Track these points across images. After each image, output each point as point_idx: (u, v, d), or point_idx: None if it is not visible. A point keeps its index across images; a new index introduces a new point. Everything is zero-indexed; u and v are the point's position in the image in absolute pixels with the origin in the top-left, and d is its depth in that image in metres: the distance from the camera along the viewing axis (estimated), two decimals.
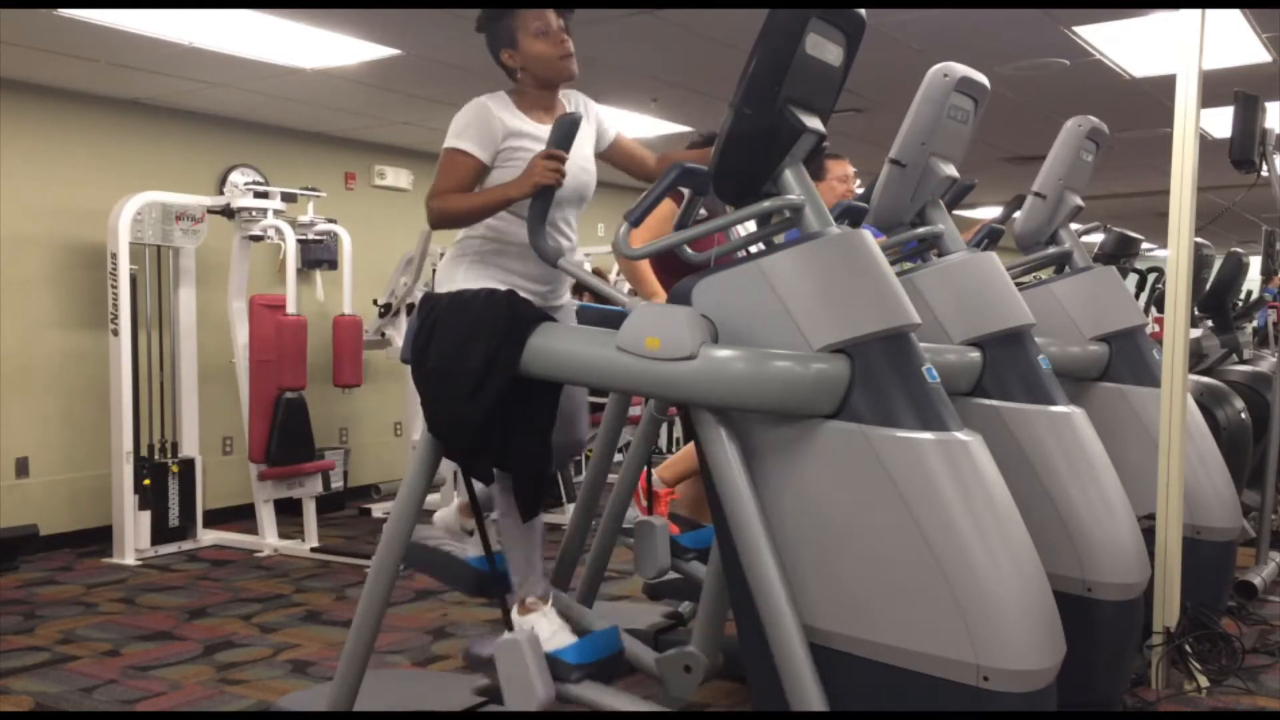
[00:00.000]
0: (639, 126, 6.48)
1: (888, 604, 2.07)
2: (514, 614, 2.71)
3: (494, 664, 2.52)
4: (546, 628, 2.64)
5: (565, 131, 2.43)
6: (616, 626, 2.80)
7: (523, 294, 2.59)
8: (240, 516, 6.02)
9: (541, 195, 2.43)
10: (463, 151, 2.57)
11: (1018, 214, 3.82)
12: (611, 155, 2.91)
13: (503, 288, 2.57)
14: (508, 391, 2.41)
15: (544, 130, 2.57)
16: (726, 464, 2.20)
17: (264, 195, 5.66)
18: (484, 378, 2.41)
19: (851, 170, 4.24)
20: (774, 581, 2.13)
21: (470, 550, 2.92)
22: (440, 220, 2.57)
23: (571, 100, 2.80)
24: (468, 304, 2.52)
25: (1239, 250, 6.19)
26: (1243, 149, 4.05)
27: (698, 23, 4.53)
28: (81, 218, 5.67)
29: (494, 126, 2.60)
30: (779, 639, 2.13)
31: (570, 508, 3.17)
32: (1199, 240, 5.24)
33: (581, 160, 2.71)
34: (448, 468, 5.40)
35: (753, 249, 2.52)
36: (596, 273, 5.66)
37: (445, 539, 3.04)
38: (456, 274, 2.66)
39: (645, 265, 3.71)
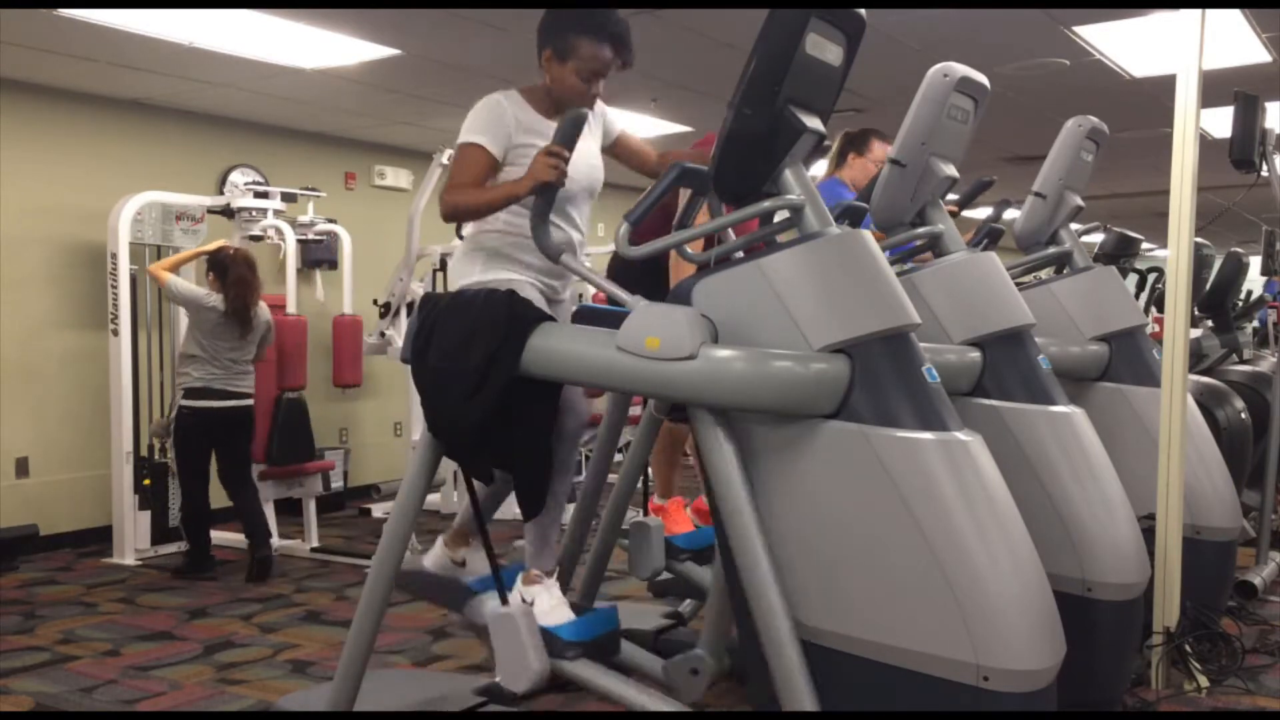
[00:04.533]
0: (639, 126, 6.48)
1: (887, 604, 2.07)
2: (519, 584, 2.71)
3: (488, 632, 2.54)
4: (546, 601, 2.64)
5: (569, 129, 2.43)
6: (615, 606, 2.80)
7: (535, 287, 2.70)
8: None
9: (544, 192, 2.43)
10: (476, 145, 2.61)
11: (1012, 212, 3.82)
12: (616, 151, 2.97)
13: (520, 277, 2.67)
14: (508, 391, 2.41)
15: (553, 128, 2.58)
16: (724, 464, 2.21)
17: (264, 195, 5.67)
18: (484, 378, 2.41)
19: None
20: (768, 583, 2.14)
21: (467, 576, 2.91)
22: (452, 214, 2.63)
23: None
24: (468, 304, 2.52)
25: (1239, 250, 6.19)
26: (1243, 149, 4.05)
27: (698, 23, 4.52)
28: (81, 218, 5.67)
29: (506, 121, 2.65)
30: (772, 640, 2.13)
31: (572, 508, 3.16)
32: (1199, 240, 5.24)
33: (589, 156, 2.78)
34: (448, 468, 5.41)
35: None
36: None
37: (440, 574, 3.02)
38: (474, 268, 2.73)
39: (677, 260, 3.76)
